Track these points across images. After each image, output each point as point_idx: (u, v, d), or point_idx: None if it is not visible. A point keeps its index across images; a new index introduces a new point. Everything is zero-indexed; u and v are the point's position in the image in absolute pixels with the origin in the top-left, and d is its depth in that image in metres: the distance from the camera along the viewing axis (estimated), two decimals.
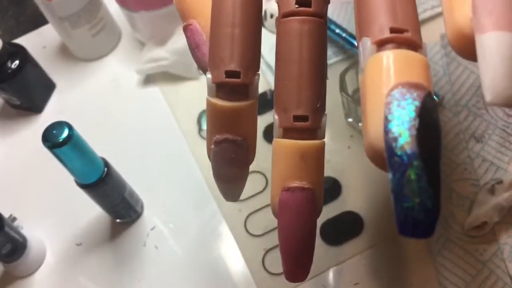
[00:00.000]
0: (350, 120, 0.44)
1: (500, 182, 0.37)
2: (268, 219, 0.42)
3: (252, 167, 0.45)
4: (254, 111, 0.23)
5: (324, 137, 0.22)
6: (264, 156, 0.45)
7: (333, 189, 0.42)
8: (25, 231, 0.42)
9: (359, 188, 0.42)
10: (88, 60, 0.55)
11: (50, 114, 0.52)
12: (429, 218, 0.15)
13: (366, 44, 0.19)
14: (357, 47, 0.20)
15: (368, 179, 0.42)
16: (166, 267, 0.41)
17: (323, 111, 0.22)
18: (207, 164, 0.46)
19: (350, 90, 0.43)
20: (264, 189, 0.43)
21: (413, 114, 0.16)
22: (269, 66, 0.49)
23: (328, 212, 0.41)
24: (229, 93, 0.22)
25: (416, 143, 0.15)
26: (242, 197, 0.43)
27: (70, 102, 0.52)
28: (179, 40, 0.50)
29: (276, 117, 0.21)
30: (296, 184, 0.21)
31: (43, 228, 0.45)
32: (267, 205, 0.42)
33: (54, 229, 0.44)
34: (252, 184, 0.44)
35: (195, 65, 0.51)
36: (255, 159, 0.46)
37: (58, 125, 0.35)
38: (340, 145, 0.44)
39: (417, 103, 0.16)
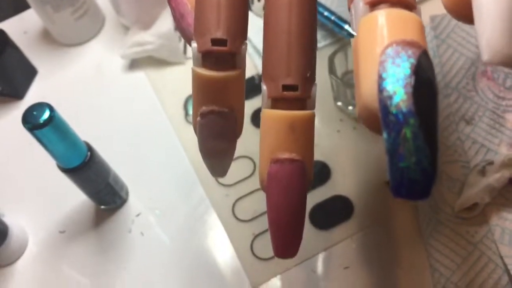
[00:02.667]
0: (339, 103, 0.44)
1: (491, 163, 0.36)
2: (256, 204, 0.41)
3: (239, 152, 0.44)
4: (242, 82, 0.22)
5: (314, 108, 0.21)
6: (252, 140, 0.45)
7: (322, 173, 0.41)
8: (6, 219, 0.41)
9: (349, 172, 0.41)
10: (71, 45, 0.53)
11: (31, 100, 0.50)
12: (426, 178, 0.14)
13: (358, 5, 0.18)
14: (348, 10, 0.19)
15: (357, 163, 0.42)
16: (152, 254, 0.40)
17: (313, 81, 0.21)
18: (194, 149, 0.46)
19: (339, 73, 0.43)
20: (252, 174, 0.43)
21: (408, 72, 0.15)
22: (256, 49, 0.48)
23: (318, 196, 0.40)
24: (215, 63, 0.21)
25: (412, 100, 0.15)
26: (229, 182, 0.43)
27: (52, 88, 0.51)
28: (164, 24, 0.48)
29: (265, 87, 0.21)
30: (285, 155, 0.20)
31: (25, 215, 0.43)
32: (255, 190, 0.42)
33: (36, 217, 0.43)
34: (240, 169, 0.43)
35: (181, 49, 0.50)
36: (242, 144, 0.45)
37: (38, 106, 0.34)
38: (329, 129, 0.43)
39: (412, 60, 0.15)
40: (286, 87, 0.20)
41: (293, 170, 0.20)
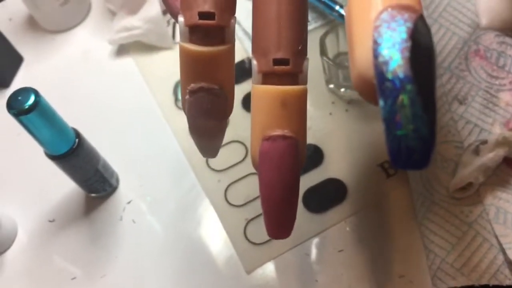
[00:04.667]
0: (331, 86, 0.43)
1: (484, 142, 0.36)
2: (249, 189, 0.41)
3: (230, 137, 0.44)
4: (231, 57, 0.21)
5: (306, 83, 0.20)
6: (243, 125, 0.44)
7: (315, 156, 0.41)
8: None
9: (342, 155, 0.41)
10: (57, 32, 0.52)
11: (18, 88, 0.49)
12: (424, 146, 0.14)
13: None
14: None
15: (350, 145, 0.41)
16: (144, 241, 0.40)
17: (305, 54, 0.20)
18: (184, 135, 0.45)
19: (330, 55, 0.42)
20: (243, 159, 0.42)
21: (405, 36, 0.14)
22: (246, 32, 0.47)
23: (311, 179, 0.40)
24: (203, 37, 0.20)
25: (409, 66, 0.14)
26: (221, 167, 0.42)
27: (39, 76, 0.50)
28: (151, 8, 0.47)
29: (255, 62, 0.20)
30: (277, 132, 0.20)
31: (14, 205, 0.43)
32: (248, 175, 0.41)
33: (25, 206, 0.42)
34: (232, 154, 0.42)
35: (169, 33, 0.49)
36: (233, 128, 0.45)
37: (23, 92, 0.33)
38: (321, 112, 0.43)
39: (409, 24, 0.14)
40: (277, 61, 0.19)
41: (285, 147, 0.20)
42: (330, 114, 0.43)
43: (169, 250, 0.39)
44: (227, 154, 0.42)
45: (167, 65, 0.48)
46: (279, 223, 0.21)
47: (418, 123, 0.14)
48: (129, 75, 0.48)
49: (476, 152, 0.36)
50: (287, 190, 0.20)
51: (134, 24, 0.47)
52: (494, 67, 0.40)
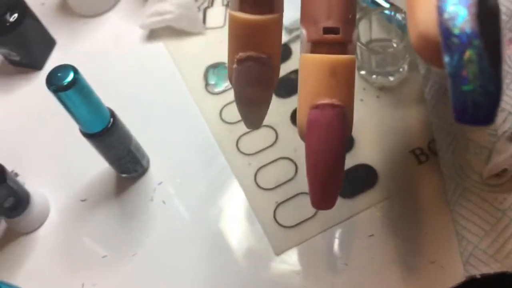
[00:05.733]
0: (362, 72, 0.43)
1: None
2: (279, 173, 0.41)
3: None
4: (279, 26, 0.21)
5: (355, 53, 0.21)
6: (273, 110, 0.44)
7: None
8: (28, 187, 0.41)
9: (372, 141, 0.41)
10: (90, 16, 0.53)
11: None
12: (491, 102, 0.14)
13: None
14: None
15: (381, 132, 0.41)
16: (174, 221, 0.40)
17: (355, 24, 0.20)
18: (214, 119, 0.45)
19: (363, 40, 0.42)
20: (274, 143, 0.42)
21: None
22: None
23: None
24: (253, 5, 0.20)
25: (476, 21, 0.14)
26: (252, 151, 0.42)
27: (72, 59, 0.49)
28: None
29: (304, 31, 0.20)
30: (326, 101, 0.20)
31: (46, 184, 0.43)
32: (278, 159, 0.41)
33: (58, 185, 0.43)
34: (262, 138, 0.42)
35: (200, 18, 0.49)
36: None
37: (63, 68, 0.34)
38: None
39: None
40: (327, 30, 0.20)
41: (334, 116, 0.20)
42: (361, 100, 0.43)
43: (199, 231, 0.39)
44: (257, 138, 0.42)
45: (198, 50, 0.48)
46: (325, 192, 0.21)
47: (485, 79, 0.14)
48: (160, 60, 0.49)
49: (511, 139, 0.36)
50: (333, 158, 0.20)
51: (166, 8, 0.47)
52: None
